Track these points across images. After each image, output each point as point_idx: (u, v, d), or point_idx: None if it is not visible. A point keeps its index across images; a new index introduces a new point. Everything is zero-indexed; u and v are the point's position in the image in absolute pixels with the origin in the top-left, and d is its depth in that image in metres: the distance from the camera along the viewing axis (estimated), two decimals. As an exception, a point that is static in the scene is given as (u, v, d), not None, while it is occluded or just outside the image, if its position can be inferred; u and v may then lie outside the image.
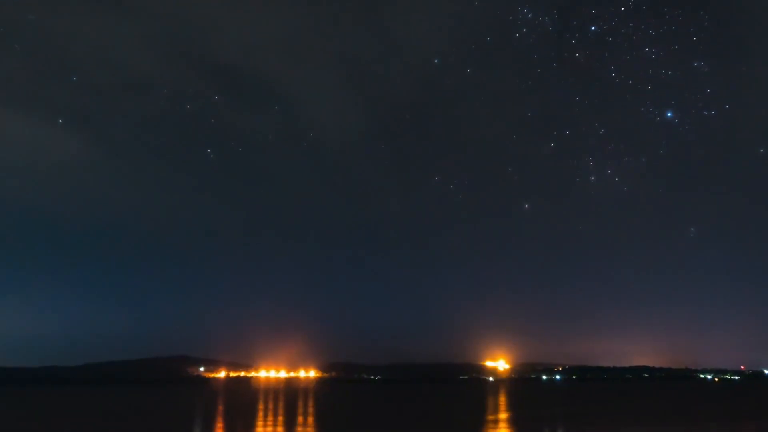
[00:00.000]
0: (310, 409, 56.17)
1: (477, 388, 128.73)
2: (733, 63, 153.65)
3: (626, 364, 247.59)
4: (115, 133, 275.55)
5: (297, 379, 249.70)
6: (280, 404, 63.76)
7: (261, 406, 60.58)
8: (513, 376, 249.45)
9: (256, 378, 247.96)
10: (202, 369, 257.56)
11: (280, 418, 44.08)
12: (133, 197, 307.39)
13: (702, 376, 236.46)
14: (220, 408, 59.83)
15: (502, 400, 75.78)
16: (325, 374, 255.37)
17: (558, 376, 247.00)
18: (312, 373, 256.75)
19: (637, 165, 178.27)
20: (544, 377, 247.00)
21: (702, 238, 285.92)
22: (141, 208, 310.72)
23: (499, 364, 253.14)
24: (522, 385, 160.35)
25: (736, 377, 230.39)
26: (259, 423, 41.45)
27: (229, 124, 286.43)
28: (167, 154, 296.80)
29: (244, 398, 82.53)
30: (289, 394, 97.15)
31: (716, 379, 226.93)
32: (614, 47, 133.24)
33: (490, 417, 45.53)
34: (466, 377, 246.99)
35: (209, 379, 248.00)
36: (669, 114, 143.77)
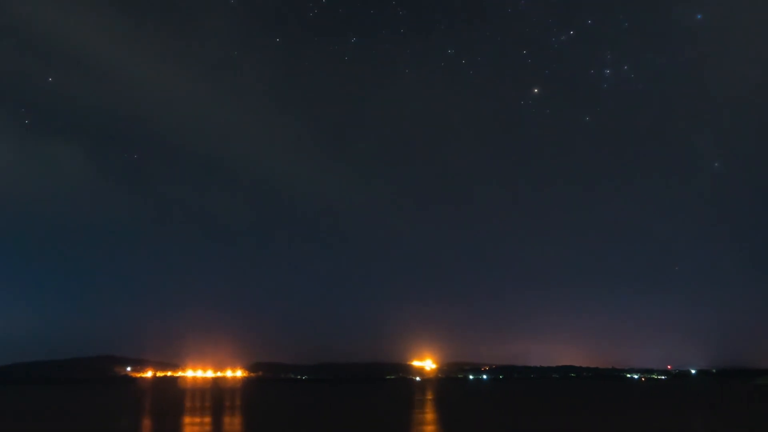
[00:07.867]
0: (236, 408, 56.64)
1: (396, 389, 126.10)
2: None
3: (553, 364, 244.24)
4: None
5: (224, 379, 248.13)
6: (206, 404, 63.62)
7: (188, 405, 60.41)
8: (440, 375, 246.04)
9: (184, 378, 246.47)
10: (128, 369, 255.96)
11: (207, 419, 43.20)
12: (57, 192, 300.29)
13: (629, 375, 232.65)
14: (146, 407, 59.51)
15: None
16: (252, 374, 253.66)
17: (485, 376, 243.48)
18: (239, 373, 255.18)
19: (655, 65, 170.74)
20: (471, 377, 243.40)
21: (628, 239, 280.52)
22: (63, 204, 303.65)
23: (426, 363, 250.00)
24: (443, 385, 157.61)
25: (663, 377, 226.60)
26: (186, 422, 40.98)
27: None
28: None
29: (169, 397, 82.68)
30: (215, 393, 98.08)
31: (642, 379, 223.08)
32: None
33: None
34: (393, 377, 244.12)
35: (136, 378, 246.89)
36: (699, 16, 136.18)
